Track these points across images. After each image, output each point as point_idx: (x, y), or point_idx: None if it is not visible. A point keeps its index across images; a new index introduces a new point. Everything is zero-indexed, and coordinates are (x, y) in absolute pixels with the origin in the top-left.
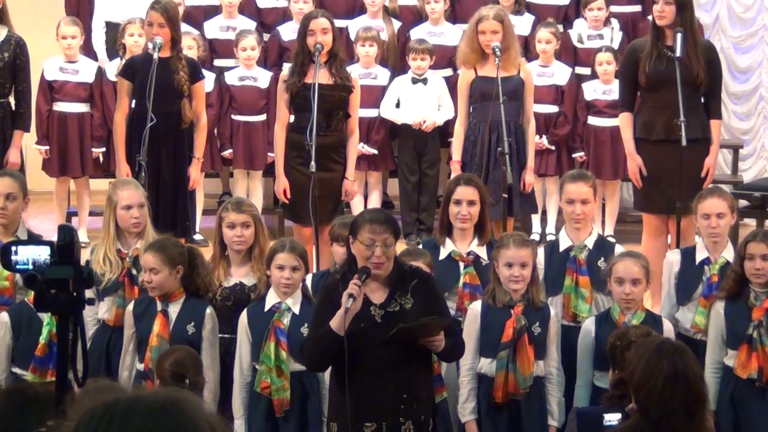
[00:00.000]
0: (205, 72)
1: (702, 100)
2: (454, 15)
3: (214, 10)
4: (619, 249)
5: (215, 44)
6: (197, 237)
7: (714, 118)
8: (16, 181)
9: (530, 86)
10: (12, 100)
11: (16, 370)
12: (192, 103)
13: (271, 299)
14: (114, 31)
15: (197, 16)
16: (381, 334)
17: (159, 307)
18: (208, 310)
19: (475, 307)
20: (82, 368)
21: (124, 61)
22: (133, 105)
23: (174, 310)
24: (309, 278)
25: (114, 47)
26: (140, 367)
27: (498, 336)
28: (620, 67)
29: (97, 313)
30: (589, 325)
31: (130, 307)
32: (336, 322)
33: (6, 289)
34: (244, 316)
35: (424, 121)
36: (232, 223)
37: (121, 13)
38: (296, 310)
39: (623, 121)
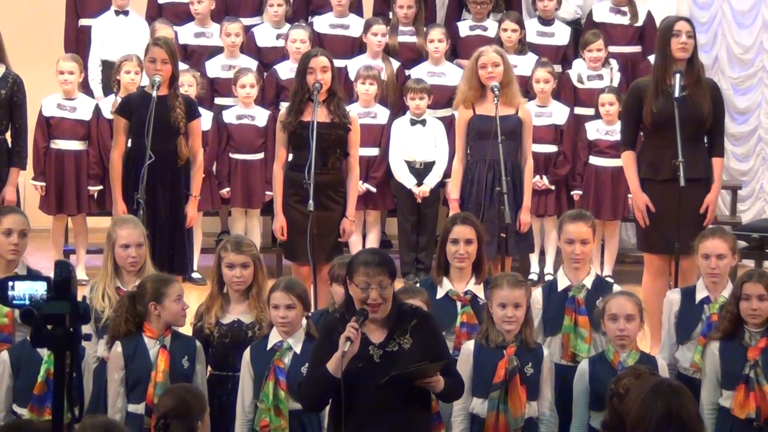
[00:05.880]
0: (203, 111)
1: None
2: (456, 55)
3: (216, 50)
4: (617, 289)
5: (216, 83)
6: (195, 275)
7: (716, 156)
8: (26, 219)
9: (529, 125)
10: (8, 137)
11: (17, 408)
12: (188, 141)
13: (274, 338)
14: (110, 69)
15: (201, 56)
16: (379, 374)
17: (155, 343)
18: (198, 344)
19: (468, 347)
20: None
21: (118, 98)
22: (129, 143)
23: (168, 344)
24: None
25: (110, 85)
26: (136, 408)
27: (490, 376)
28: (623, 106)
29: (96, 351)
30: (584, 366)
31: (119, 348)
32: (333, 365)
33: (5, 326)
34: (247, 354)
35: (423, 192)
36: (232, 263)
37: (117, 51)
38: (297, 349)
39: (627, 160)
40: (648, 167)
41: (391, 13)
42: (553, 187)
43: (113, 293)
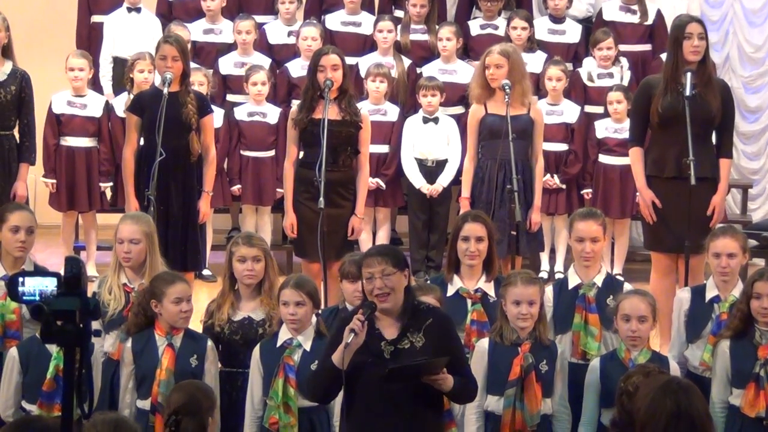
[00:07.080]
0: (215, 107)
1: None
2: (467, 53)
3: (227, 48)
4: (627, 287)
5: (229, 80)
6: (206, 272)
7: (724, 157)
8: (33, 215)
9: (540, 125)
10: (17, 133)
11: (26, 405)
12: (201, 137)
13: (284, 335)
14: (121, 66)
15: (210, 53)
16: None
17: (164, 341)
18: (209, 343)
19: (483, 345)
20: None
21: (131, 96)
22: (141, 140)
23: (177, 343)
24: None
25: (121, 82)
26: (144, 404)
27: (505, 373)
28: (633, 102)
29: (103, 346)
30: (595, 364)
31: (128, 343)
32: (337, 356)
33: (13, 323)
34: (256, 351)
35: (435, 190)
36: (243, 257)
37: (128, 48)
38: (307, 346)
39: (634, 156)
40: (653, 164)
41: (403, 12)
42: (564, 186)
43: (118, 288)
